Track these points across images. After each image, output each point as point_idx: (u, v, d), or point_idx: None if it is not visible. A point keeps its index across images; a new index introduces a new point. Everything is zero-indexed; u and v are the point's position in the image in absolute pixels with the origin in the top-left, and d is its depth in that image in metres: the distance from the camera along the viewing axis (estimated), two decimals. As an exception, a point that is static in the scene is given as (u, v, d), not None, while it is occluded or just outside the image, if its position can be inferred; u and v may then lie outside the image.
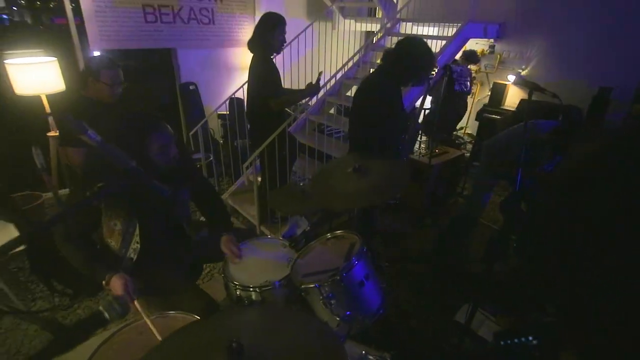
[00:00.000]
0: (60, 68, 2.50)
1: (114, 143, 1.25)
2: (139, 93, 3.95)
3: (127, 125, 1.33)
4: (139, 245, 1.42)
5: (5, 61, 2.37)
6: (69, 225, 1.31)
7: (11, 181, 3.11)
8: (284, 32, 2.50)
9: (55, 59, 2.50)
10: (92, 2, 3.21)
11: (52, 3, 3.48)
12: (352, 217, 2.10)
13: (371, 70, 4.11)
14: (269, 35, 2.45)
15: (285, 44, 2.59)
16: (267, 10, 2.62)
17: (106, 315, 0.80)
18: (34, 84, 2.39)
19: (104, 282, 1.30)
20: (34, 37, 3.27)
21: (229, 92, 4.02)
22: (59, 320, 2.12)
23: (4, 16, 3.33)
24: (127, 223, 1.39)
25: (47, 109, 2.52)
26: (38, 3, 3.81)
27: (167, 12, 3.63)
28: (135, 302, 1.25)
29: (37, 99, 2.47)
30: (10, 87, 2.39)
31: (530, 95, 1.56)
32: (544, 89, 1.59)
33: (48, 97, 2.50)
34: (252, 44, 2.52)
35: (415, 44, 1.98)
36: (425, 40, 2.03)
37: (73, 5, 3.22)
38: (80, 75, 1.90)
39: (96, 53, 3.48)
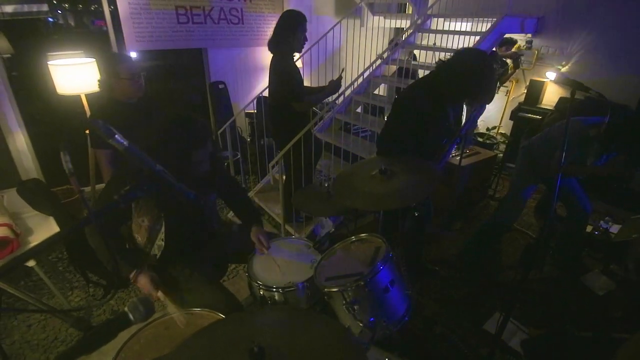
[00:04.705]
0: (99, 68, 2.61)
1: (163, 145, 1.29)
2: (171, 92, 4.10)
3: (180, 132, 1.32)
4: (163, 243, 1.46)
5: (49, 62, 2.51)
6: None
7: (52, 175, 3.31)
8: (305, 30, 2.43)
9: (94, 60, 2.62)
10: (128, 5, 3.33)
11: (93, 6, 3.65)
12: (377, 218, 2.06)
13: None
14: (291, 35, 2.37)
15: (306, 43, 2.52)
16: (295, 8, 2.59)
17: (131, 316, 0.82)
18: (75, 84, 2.50)
19: (130, 277, 1.36)
20: (74, 39, 3.45)
21: (256, 91, 4.07)
22: (94, 313, 2.24)
23: (49, 19, 3.52)
24: (155, 221, 1.43)
25: (86, 107, 2.64)
26: (80, 6, 4.01)
27: (198, 12, 3.70)
28: (159, 293, 1.31)
29: (77, 98, 2.60)
30: (53, 87, 2.52)
31: (573, 94, 1.45)
32: (588, 88, 1.48)
33: (87, 96, 2.62)
34: (272, 44, 2.45)
35: (467, 58, 1.74)
36: (477, 51, 1.78)
37: (111, 7, 3.36)
38: (103, 83, 1.89)
39: (133, 54, 3.62)
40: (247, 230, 1.66)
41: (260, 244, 1.59)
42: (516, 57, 4.06)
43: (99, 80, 1.93)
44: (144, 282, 1.34)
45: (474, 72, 1.71)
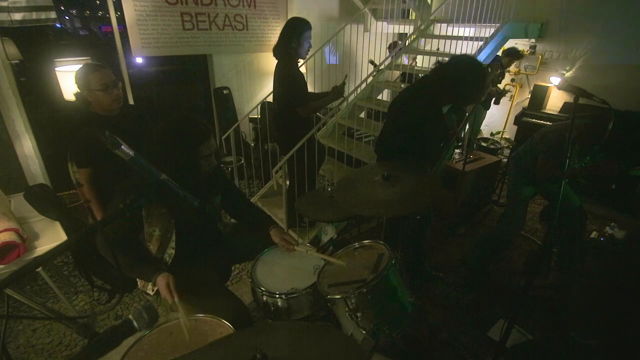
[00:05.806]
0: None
1: (167, 147, 1.31)
2: (175, 97, 4.13)
3: (183, 131, 1.37)
4: (174, 251, 1.47)
5: (56, 68, 2.54)
6: (110, 231, 1.35)
7: (59, 180, 3.35)
8: (309, 37, 2.47)
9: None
10: (134, 11, 3.37)
11: (100, 12, 3.70)
12: (380, 223, 2.06)
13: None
14: (295, 42, 2.40)
15: (310, 49, 2.55)
16: (299, 15, 2.61)
17: (135, 324, 0.83)
18: (81, 90, 2.53)
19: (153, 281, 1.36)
20: (82, 45, 3.49)
21: (260, 96, 4.09)
22: (98, 318, 2.25)
23: (57, 25, 3.57)
24: (165, 229, 1.44)
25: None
26: (87, 12, 4.07)
27: (203, 19, 3.74)
28: (176, 299, 1.30)
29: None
30: (60, 92, 2.56)
31: (576, 100, 1.45)
32: (592, 94, 1.46)
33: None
34: (277, 51, 2.49)
35: (465, 64, 1.82)
36: (474, 60, 1.86)
37: (118, 14, 3.40)
38: (80, 97, 1.79)
39: (138, 60, 3.66)
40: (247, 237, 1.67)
41: (288, 242, 1.60)
42: (499, 94, 4.08)
43: (74, 94, 1.81)
44: (161, 284, 1.34)
45: (464, 77, 1.78)
